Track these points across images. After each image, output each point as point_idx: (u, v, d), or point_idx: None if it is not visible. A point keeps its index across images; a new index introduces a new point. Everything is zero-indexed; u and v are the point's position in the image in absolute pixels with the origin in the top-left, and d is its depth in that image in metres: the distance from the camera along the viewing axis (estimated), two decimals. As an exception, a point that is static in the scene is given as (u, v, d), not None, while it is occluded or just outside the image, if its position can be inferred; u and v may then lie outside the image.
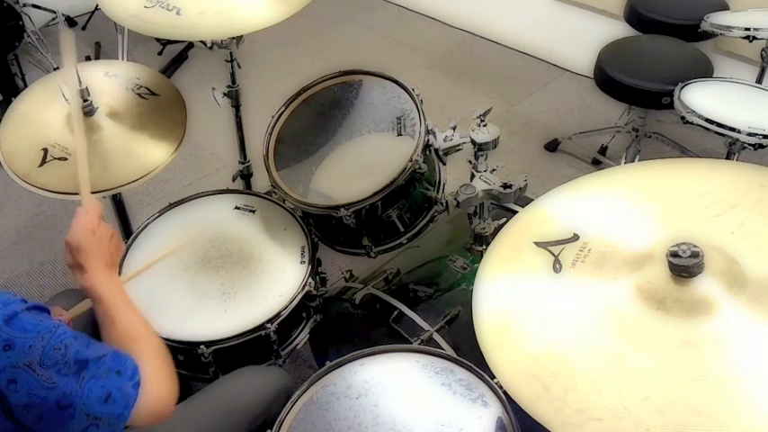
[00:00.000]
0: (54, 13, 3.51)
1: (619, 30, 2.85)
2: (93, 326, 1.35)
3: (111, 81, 1.74)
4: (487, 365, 0.95)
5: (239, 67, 2.00)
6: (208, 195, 1.78)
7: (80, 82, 1.55)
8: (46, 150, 1.56)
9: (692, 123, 2.03)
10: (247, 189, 2.18)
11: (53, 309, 1.22)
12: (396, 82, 1.69)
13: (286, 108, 1.74)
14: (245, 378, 1.41)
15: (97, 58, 3.54)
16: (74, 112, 1.46)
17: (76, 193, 1.29)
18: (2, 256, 2.48)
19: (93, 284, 1.13)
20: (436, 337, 1.50)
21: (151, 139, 1.63)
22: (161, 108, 1.70)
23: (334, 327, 1.70)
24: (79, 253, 1.14)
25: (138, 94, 1.71)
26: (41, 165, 1.55)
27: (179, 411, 1.32)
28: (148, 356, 1.06)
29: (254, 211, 1.73)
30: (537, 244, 1.06)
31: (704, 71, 2.35)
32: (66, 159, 1.56)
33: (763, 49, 2.28)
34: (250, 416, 1.32)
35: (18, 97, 1.70)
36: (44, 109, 1.66)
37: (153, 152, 1.62)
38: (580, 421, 0.84)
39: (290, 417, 1.21)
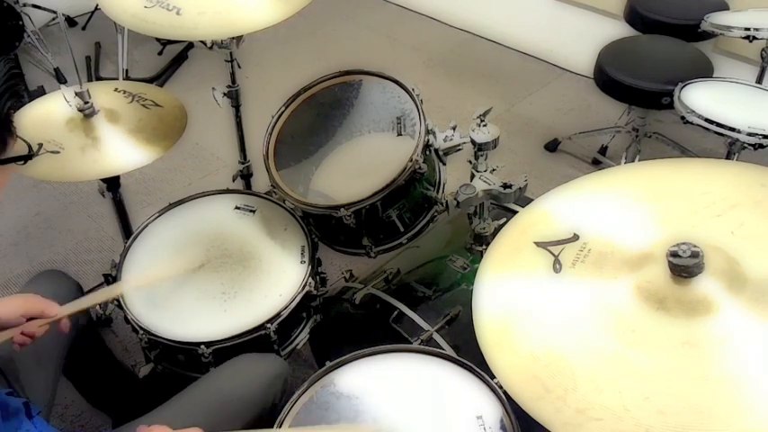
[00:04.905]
0: (54, 13, 3.50)
1: (619, 30, 2.86)
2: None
3: (117, 93, 1.76)
4: (487, 365, 0.95)
5: (239, 67, 2.00)
6: (208, 195, 1.79)
7: (80, 83, 1.56)
8: (40, 145, 1.58)
9: (692, 123, 2.03)
10: (247, 189, 2.18)
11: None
12: (396, 82, 1.69)
13: (286, 108, 1.74)
14: (242, 366, 1.40)
15: (97, 57, 3.54)
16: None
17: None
18: (2, 255, 2.48)
19: None
20: (436, 337, 1.50)
21: (146, 141, 1.64)
22: (162, 117, 1.70)
23: (334, 327, 1.70)
24: None
25: (143, 105, 1.72)
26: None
27: (177, 400, 1.32)
28: None
29: (254, 211, 1.73)
30: (537, 244, 1.06)
31: (704, 71, 2.35)
32: (58, 153, 1.57)
33: (763, 49, 2.29)
34: (248, 403, 1.32)
35: (33, 101, 1.73)
36: (50, 112, 1.68)
37: (145, 151, 1.63)
38: (580, 421, 0.84)
39: (289, 417, 1.21)
